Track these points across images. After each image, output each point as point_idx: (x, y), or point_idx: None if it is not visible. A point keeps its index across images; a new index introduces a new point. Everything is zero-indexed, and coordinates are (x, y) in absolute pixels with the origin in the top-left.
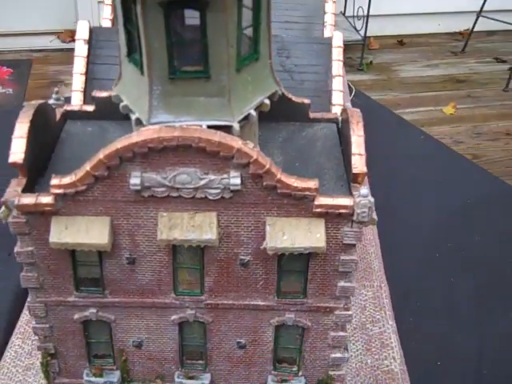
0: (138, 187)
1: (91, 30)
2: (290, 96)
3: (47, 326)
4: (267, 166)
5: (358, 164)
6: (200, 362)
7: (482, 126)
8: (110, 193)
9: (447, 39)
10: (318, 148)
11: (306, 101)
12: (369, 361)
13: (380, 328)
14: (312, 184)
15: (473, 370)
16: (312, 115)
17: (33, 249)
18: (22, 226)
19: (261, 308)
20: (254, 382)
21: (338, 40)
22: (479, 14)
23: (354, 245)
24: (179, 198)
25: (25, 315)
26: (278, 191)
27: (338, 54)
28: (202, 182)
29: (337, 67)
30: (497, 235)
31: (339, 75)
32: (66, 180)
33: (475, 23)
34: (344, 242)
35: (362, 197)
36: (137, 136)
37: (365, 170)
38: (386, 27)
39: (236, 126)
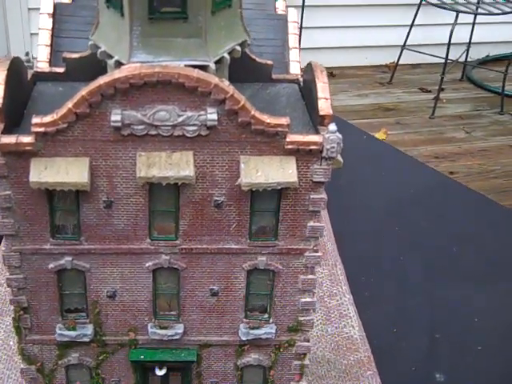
0: (119, 124)
1: (55, 6)
2: (253, 57)
3: (21, 276)
4: (242, 102)
5: (325, 107)
6: (173, 312)
7: (412, 150)
8: (90, 132)
9: (374, 71)
10: (282, 103)
11: (269, 62)
12: (329, 329)
13: (337, 301)
14: (284, 120)
15: (426, 334)
16: (274, 76)
17: (10, 193)
18: (1, 167)
19: (234, 252)
20: (227, 331)
21: (293, 16)
22: (403, 47)
23: (323, 183)
24: (157, 137)
25: None
26: (252, 128)
27: (293, 28)
28: (180, 119)
29: (293, 40)
30: (440, 220)
31: (296, 47)
32: (47, 118)
33: (400, 56)
34: (314, 179)
35: (331, 133)
36: (119, 72)
37: (331, 112)
38: (317, 60)
39: (212, 65)
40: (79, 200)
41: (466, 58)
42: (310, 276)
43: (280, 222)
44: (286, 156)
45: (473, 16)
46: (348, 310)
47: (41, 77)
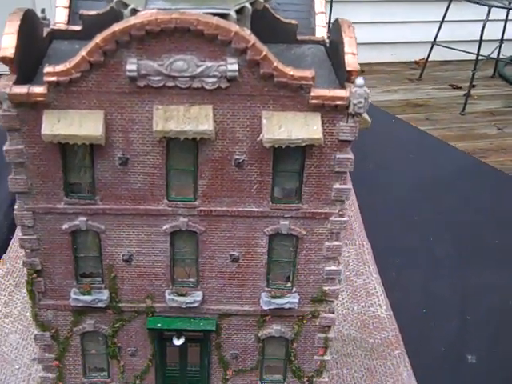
0: (134, 73)
1: None
2: (278, 16)
3: (34, 237)
4: (264, 52)
5: (352, 62)
6: (191, 279)
7: None
8: (104, 83)
9: (403, 67)
10: (307, 62)
11: (294, 21)
12: (355, 308)
13: (364, 280)
14: (308, 73)
15: (457, 316)
16: (299, 37)
17: (23, 147)
18: (12, 119)
19: (255, 215)
20: (247, 300)
21: None
22: (434, 43)
23: (350, 142)
24: (175, 89)
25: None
26: (275, 80)
27: None
28: (199, 70)
29: (319, 5)
30: (471, 203)
31: (322, 12)
32: (60, 67)
33: (430, 52)
34: (340, 138)
35: (358, 87)
36: (134, 19)
37: (358, 67)
38: None
39: (233, 14)
40: (93, 156)
41: (498, 55)
42: (336, 242)
43: (304, 184)
44: (311, 112)
45: (506, 11)
46: (375, 289)
47: (57, 35)
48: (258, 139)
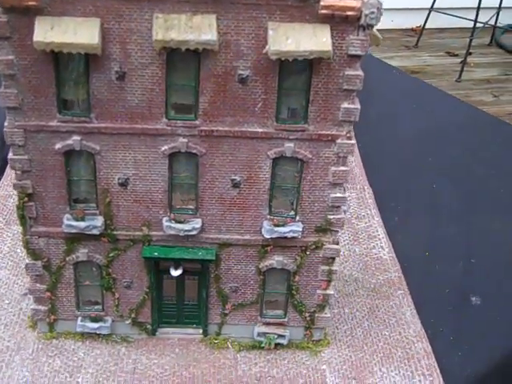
0: None
1: None
2: None
3: (26, 157)
4: None
5: None
6: (190, 206)
7: None
8: None
9: (400, 34)
10: None
11: None
12: (357, 249)
13: (366, 223)
14: None
15: (461, 259)
16: None
17: (13, 57)
18: (2, 26)
19: (258, 136)
20: (248, 229)
21: None
22: (431, 9)
23: (360, 57)
24: None
25: None
26: None
27: None
28: None
29: None
30: (474, 151)
31: None
32: None
33: (427, 19)
34: (349, 52)
35: None
36: None
37: None
38: None
39: None
40: (89, 70)
41: (496, 22)
42: (342, 168)
43: (310, 103)
44: (320, 23)
45: None
46: (377, 231)
47: None
48: (264, 51)
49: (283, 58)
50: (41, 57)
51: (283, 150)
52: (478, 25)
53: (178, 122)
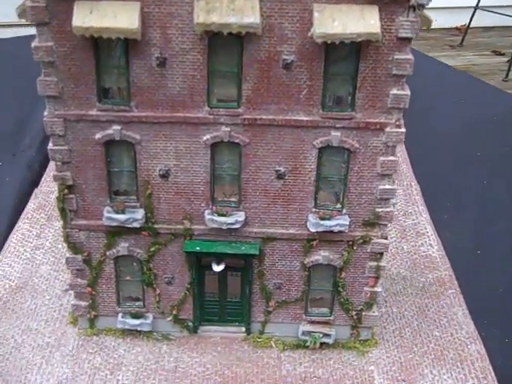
0: None
1: None
2: None
3: (66, 148)
4: None
5: None
6: (233, 198)
7: None
8: None
9: (444, 34)
10: None
11: None
12: (405, 247)
13: (413, 220)
14: None
15: None
16: None
17: (52, 44)
18: (41, 12)
19: (303, 124)
20: (293, 223)
21: None
22: (476, 8)
23: (410, 40)
24: None
25: (32, 204)
26: None
27: None
28: None
29: None
30: None
31: None
32: None
33: (472, 17)
34: (399, 35)
35: None
36: None
37: None
38: None
39: None
40: (129, 56)
41: None
42: (391, 158)
43: (358, 90)
44: (368, 5)
45: None
46: (425, 229)
47: None
48: (309, 34)
49: (329, 42)
50: (80, 43)
51: (329, 140)
52: None
53: (221, 110)
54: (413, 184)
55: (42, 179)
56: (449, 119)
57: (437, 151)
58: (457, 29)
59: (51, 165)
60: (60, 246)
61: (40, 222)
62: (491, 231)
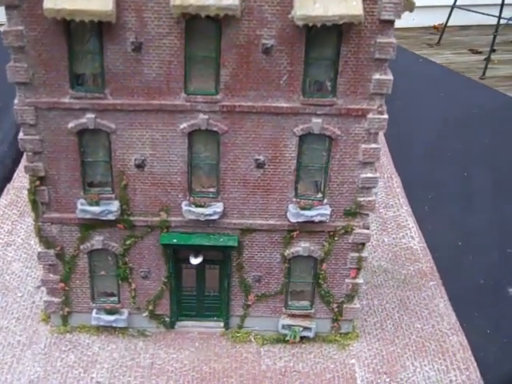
0: None
1: None
2: None
3: (37, 137)
4: None
5: None
6: (211, 189)
7: None
8: None
9: (422, 33)
10: None
11: None
12: (385, 239)
13: (394, 212)
14: None
15: (496, 249)
16: None
17: (22, 28)
18: None
19: (284, 111)
20: (273, 213)
21: None
22: (453, 7)
23: (393, 23)
24: None
25: (3, 199)
26: None
27: None
28: None
29: None
30: (505, 139)
31: None
32: None
33: (449, 16)
34: (381, 17)
35: None
36: None
37: None
38: None
39: None
40: (103, 40)
41: None
42: (373, 145)
43: (339, 75)
44: None
45: None
46: (406, 221)
47: None
48: (290, 16)
49: (310, 24)
50: (52, 27)
51: (310, 127)
52: (501, 21)
53: (198, 97)
54: (393, 177)
55: (15, 175)
56: (429, 112)
57: (417, 144)
58: (434, 27)
59: (24, 160)
60: (32, 242)
61: (12, 218)
62: (472, 223)
